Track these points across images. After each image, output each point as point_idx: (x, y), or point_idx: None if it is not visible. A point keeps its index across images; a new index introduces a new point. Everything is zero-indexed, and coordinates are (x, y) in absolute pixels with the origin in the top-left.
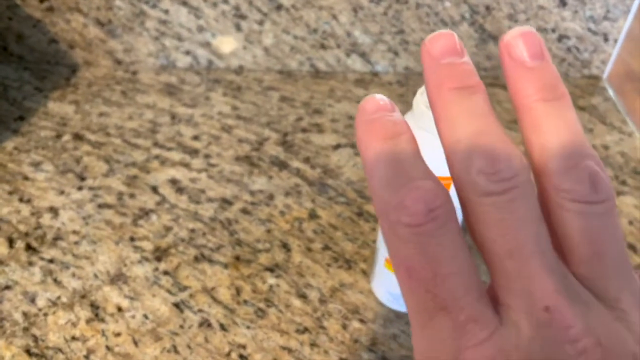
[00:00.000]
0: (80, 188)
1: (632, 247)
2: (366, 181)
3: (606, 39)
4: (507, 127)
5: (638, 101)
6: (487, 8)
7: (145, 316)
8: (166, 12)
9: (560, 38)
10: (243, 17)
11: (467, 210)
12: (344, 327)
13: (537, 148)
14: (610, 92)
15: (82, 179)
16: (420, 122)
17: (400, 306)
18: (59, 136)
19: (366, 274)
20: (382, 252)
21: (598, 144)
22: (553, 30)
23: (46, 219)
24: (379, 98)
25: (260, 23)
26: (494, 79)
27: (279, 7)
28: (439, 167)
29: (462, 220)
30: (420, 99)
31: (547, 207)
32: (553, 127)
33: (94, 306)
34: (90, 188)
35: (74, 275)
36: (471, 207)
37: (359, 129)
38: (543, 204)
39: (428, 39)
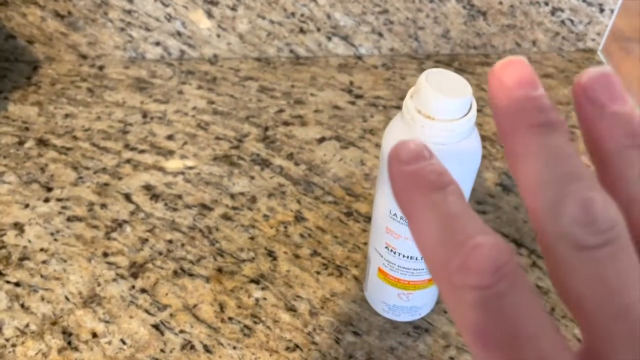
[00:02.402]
0: (46, 200)
1: None
2: (354, 177)
3: (602, 10)
4: None
5: (624, 61)
6: None
7: (123, 341)
8: (130, 1)
9: (554, 11)
10: (214, 2)
11: (554, 263)
12: (337, 341)
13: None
14: (608, 67)
15: (49, 189)
16: (413, 128)
17: (396, 316)
18: (21, 142)
19: (359, 280)
20: (375, 261)
21: None
22: (546, 4)
23: (10, 237)
24: (414, 144)
25: (233, 8)
26: (485, 57)
27: None
28: None
29: None
30: (410, 102)
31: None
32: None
33: (66, 333)
34: (58, 199)
35: (43, 299)
36: (561, 260)
37: (396, 183)
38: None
39: (499, 65)
